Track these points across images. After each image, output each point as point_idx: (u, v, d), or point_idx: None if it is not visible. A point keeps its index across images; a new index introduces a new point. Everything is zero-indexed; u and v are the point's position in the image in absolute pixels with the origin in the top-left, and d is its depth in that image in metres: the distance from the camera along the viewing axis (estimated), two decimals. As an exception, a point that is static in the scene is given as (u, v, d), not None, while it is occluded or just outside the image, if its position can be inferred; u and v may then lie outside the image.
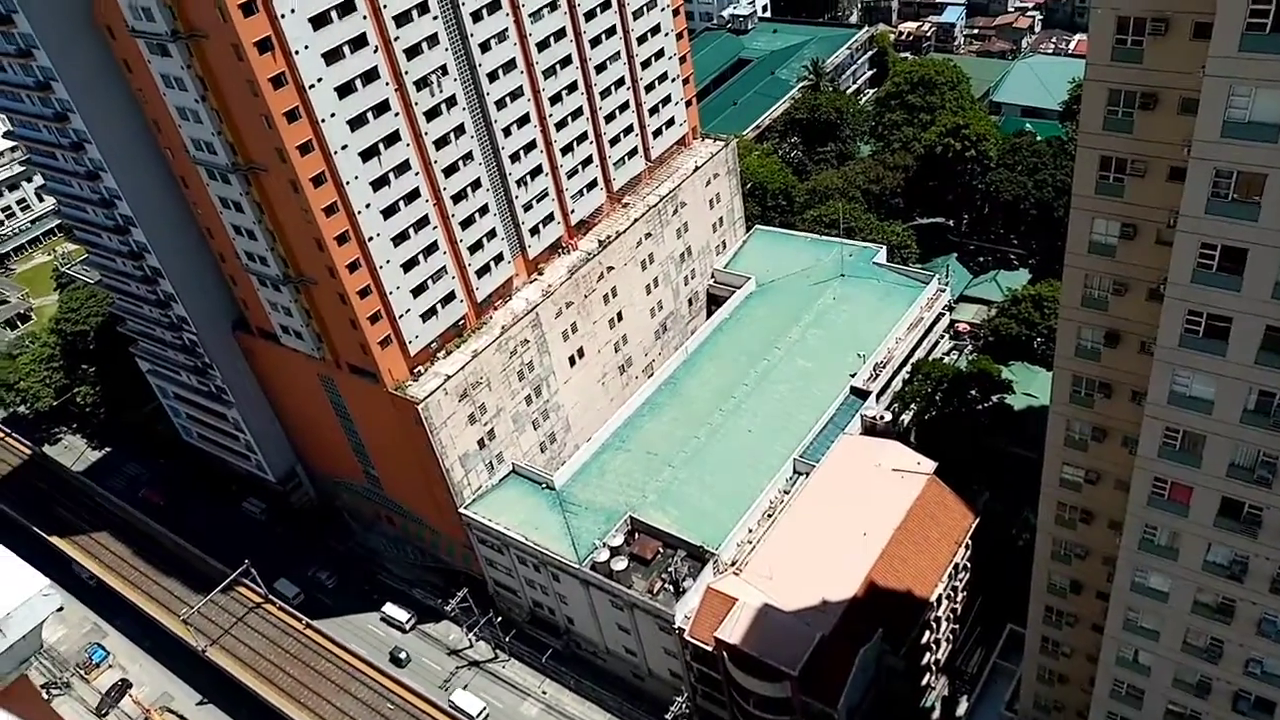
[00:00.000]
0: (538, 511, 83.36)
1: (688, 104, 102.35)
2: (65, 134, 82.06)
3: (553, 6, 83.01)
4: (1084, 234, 42.84)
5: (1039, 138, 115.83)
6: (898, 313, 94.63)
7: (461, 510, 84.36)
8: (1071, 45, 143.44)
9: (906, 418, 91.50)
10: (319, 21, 66.17)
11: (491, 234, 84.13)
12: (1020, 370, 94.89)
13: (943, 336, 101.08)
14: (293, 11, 64.20)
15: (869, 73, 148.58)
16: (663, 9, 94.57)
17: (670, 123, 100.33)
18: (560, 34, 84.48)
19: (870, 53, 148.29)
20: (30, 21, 73.44)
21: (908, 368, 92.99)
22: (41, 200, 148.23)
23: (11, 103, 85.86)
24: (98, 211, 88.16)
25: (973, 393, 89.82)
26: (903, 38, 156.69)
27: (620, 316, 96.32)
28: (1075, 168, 42.04)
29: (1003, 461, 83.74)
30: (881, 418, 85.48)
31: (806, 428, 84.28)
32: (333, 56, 67.74)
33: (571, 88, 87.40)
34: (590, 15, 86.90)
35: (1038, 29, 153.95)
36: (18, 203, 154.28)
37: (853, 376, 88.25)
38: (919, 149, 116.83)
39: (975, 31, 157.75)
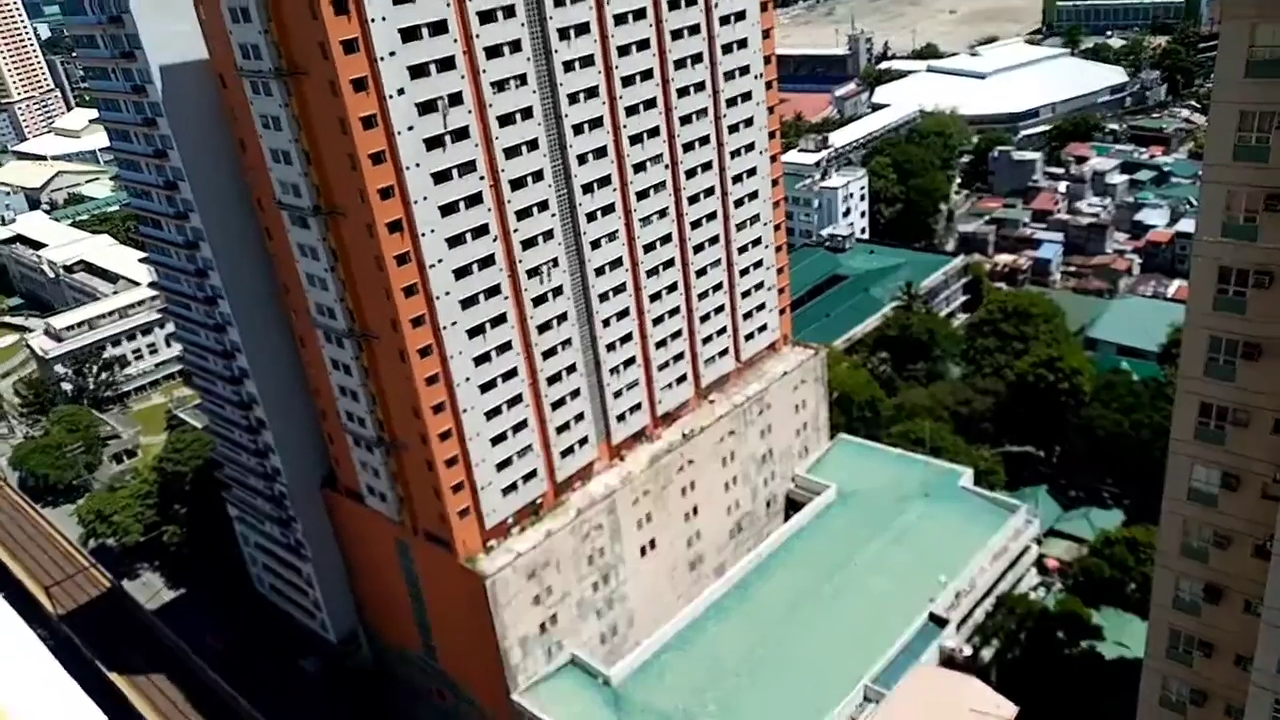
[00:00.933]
0: (592, 708, 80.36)
1: (781, 312, 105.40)
2: (203, 288, 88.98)
3: (662, 214, 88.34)
4: (1183, 480, 41.85)
5: (1136, 377, 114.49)
6: (983, 539, 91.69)
7: (515, 696, 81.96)
8: (1171, 291, 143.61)
9: (987, 654, 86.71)
10: (454, 242, 71.92)
11: (580, 417, 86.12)
12: (1112, 616, 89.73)
13: (1029, 570, 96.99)
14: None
15: (963, 299, 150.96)
16: (765, 223, 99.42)
17: (763, 328, 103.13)
18: (666, 239, 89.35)
19: (965, 280, 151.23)
20: (195, 197, 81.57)
21: (990, 600, 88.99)
22: (169, 345, 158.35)
23: (160, 257, 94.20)
24: (218, 361, 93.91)
25: (1060, 635, 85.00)
26: (998, 269, 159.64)
27: (696, 511, 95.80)
28: (1174, 411, 41.67)
29: (1091, 715, 77.94)
30: (960, 651, 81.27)
31: (880, 651, 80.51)
32: (456, 241, 72.93)
33: (671, 288, 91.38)
34: (696, 224, 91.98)
35: (1136, 271, 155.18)
36: (147, 346, 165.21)
37: (932, 602, 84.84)
38: (1010, 377, 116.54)
39: (1072, 269, 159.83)
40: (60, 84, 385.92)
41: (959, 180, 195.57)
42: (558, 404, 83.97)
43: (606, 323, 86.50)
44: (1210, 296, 38.29)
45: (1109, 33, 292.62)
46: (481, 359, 76.95)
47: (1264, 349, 37.35)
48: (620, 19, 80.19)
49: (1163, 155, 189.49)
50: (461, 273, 74.00)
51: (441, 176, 71.02)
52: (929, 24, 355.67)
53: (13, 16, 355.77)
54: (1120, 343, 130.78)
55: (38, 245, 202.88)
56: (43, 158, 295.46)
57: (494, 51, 72.17)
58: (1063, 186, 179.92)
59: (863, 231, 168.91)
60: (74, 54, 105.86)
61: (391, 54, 66.28)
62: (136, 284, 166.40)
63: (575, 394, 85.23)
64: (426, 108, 68.91)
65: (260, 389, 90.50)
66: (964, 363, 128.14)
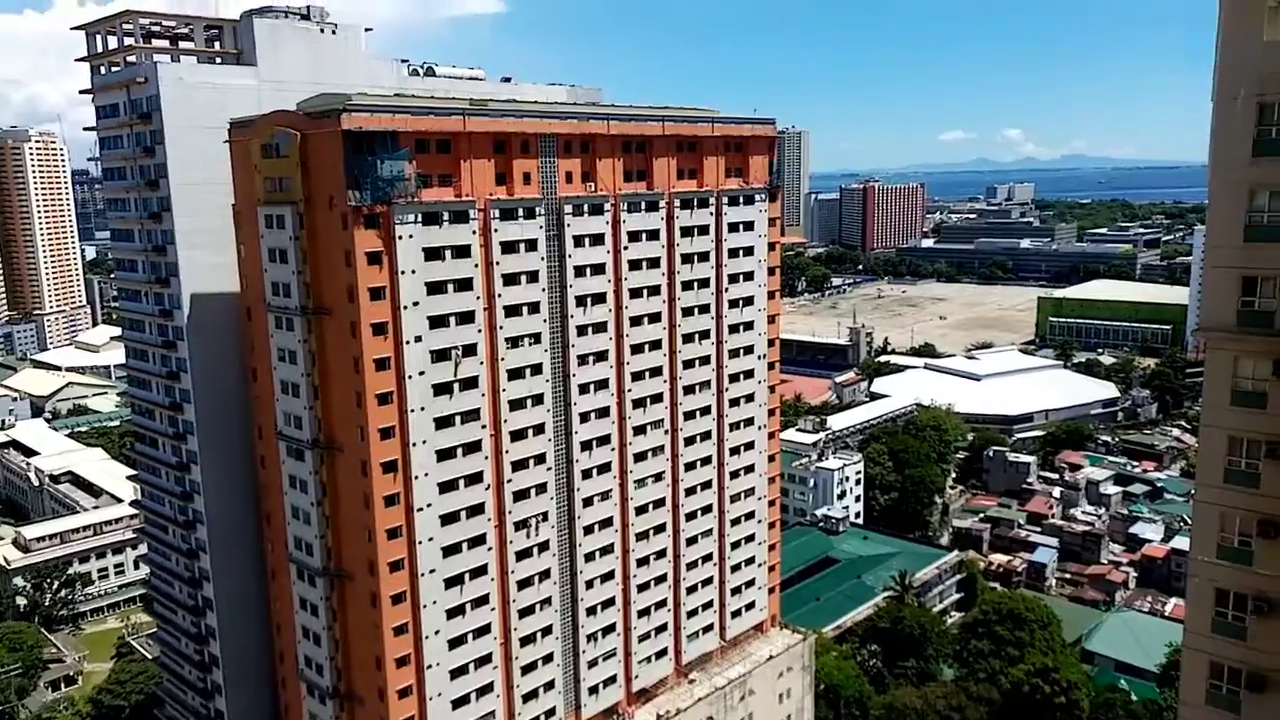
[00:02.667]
0: None
1: (770, 591, 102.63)
2: (185, 511, 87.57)
3: (658, 478, 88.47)
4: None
5: (1134, 697, 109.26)
6: None
7: None
8: (1169, 608, 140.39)
9: None
10: (446, 487, 72.14)
11: (550, 685, 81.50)
12: None
13: None
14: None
15: (956, 596, 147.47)
16: (760, 497, 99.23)
17: (750, 605, 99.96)
18: (659, 503, 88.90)
19: (959, 576, 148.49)
20: (197, 419, 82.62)
21: None
22: (137, 568, 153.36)
23: (149, 476, 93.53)
24: (183, 589, 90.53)
25: None
26: (993, 568, 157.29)
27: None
28: (1179, 740, 39.16)
29: None
30: None
31: None
32: (448, 486, 72.54)
33: (660, 554, 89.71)
34: (691, 491, 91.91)
35: (1132, 584, 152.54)
36: (115, 566, 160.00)
37: None
38: (1005, 684, 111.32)
39: (1068, 575, 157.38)
40: (93, 301, 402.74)
41: (954, 475, 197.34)
42: (528, 668, 79.79)
43: (590, 584, 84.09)
44: (1208, 619, 37.29)
45: (1100, 350, 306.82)
46: (455, 611, 74.07)
47: (1269, 681, 35.78)
48: (635, 293, 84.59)
49: (1155, 470, 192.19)
50: (449, 519, 72.99)
51: (444, 422, 71.92)
52: (925, 326, 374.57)
53: (65, 237, 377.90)
54: (1118, 659, 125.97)
55: (30, 452, 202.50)
56: (58, 368, 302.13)
57: (512, 311, 75.52)
58: (1057, 492, 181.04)
59: (857, 516, 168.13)
60: (113, 275, 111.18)
61: (415, 304, 69.31)
62: (119, 500, 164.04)
63: (548, 659, 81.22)
64: (440, 355, 71.06)
65: (221, 623, 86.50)
66: (957, 664, 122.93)
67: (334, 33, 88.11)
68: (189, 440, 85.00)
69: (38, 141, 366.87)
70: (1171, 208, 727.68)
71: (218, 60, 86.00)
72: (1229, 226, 37.39)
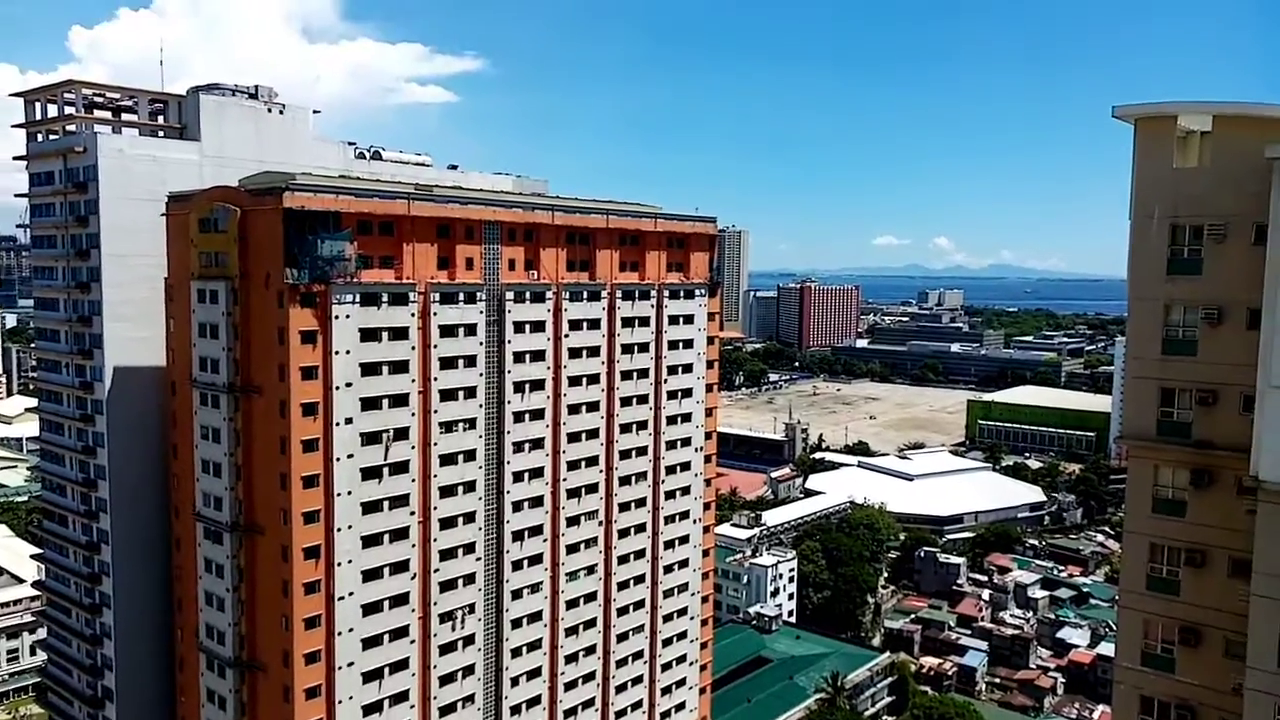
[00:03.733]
0: None
1: (701, 691, 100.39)
2: (91, 594, 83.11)
3: (590, 570, 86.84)
4: None
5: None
6: None
7: None
8: (1095, 715, 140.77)
9: None
10: (369, 575, 69.95)
11: (470, 789, 77.88)
12: None
13: None
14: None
15: (888, 699, 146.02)
16: (693, 593, 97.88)
17: (680, 706, 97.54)
18: (591, 597, 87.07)
19: (891, 679, 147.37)
20: (110, 497, 79.27)
21: None
22: (33, 654, 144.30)
23: (56, 555, 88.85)
24: (82, 678, 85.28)
25: None
26: (924, 670, 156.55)
27: None
28: None
29: None
30: None
31: None
32: (372, 575, 70.16)
33: (589, 650, 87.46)
34: (624, 585, 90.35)
35: (1060, 690, 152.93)
36: (8, 652, 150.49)
37: None
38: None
39: (998, 680, 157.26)
40: (8, 370, 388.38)
41: (886, 574, 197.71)
42: (449, 770, 76.26)
43: (515, 681, 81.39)
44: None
45: (1027, 454, 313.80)
46: (372, 708, 70.88)
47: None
48: (575, 381, 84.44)
49: (1081, 575, 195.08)
50: (371, 609, 70.45)
51: (371, 507, 70.04)
52: (860, 424, 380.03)
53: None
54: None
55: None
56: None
57: (448, 395, 74.62)
58: (986, 594, 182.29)
59: (790, 614, 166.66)
60: (33, 344, 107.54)
61: (348, 385, 68.09)
62: (20, 581, 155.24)
63: (469, 760, 77.77)
64: (371, 438, 69.59)
65: (121, 717, 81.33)
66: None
67: (281, 113, 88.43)
68: (101, 519, 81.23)
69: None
70: (1094, 319, 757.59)
71: (160, 134, 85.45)
72: (1147, 340, 38.87)
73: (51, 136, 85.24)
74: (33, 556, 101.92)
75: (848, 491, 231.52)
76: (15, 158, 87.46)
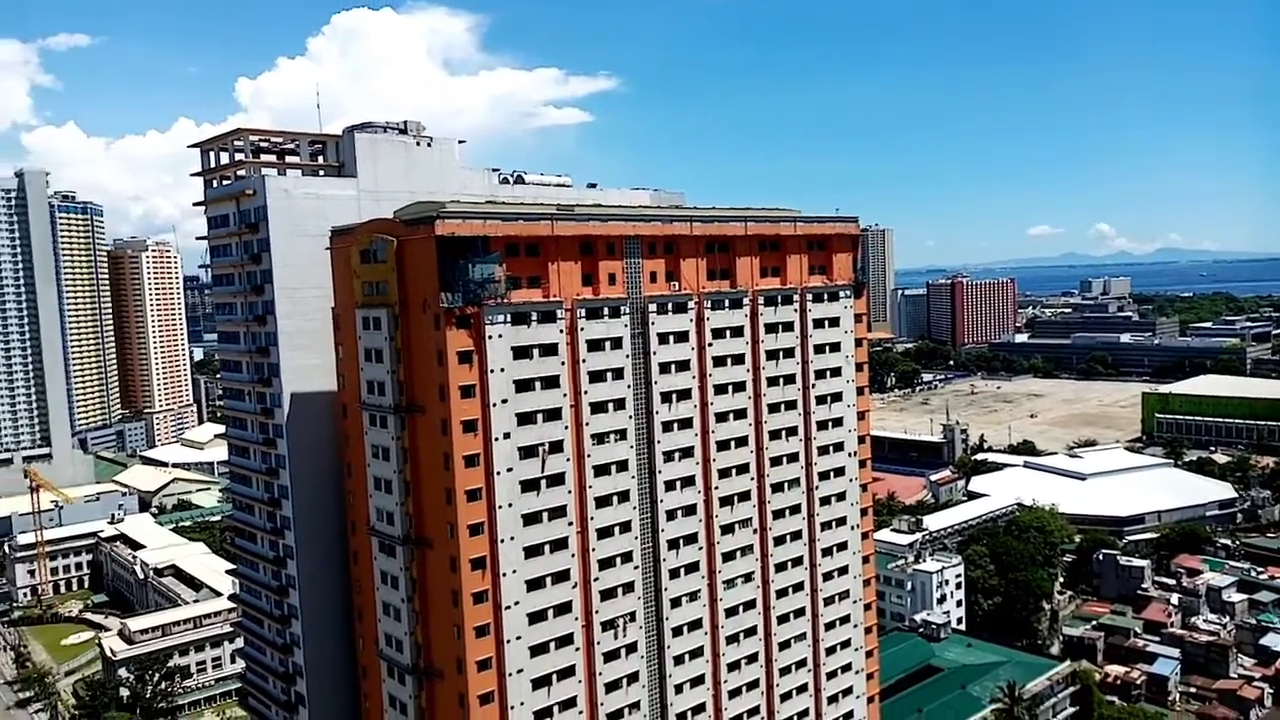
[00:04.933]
0: None
1: (869, 700, 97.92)
2: (280, 606, 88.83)
3: (748, 578, 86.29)
4: None
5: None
6: None
7: None
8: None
9: None
10: (534, 585, 71.89)
11: (638, 797, 78.56)
12: None
13: None
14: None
15: (1070, 710, 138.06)
16: (854, 600, 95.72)
17: (849, 715, 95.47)
18: (750, 605, 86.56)
19: (1072, 689, 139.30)
20: (294, 514, 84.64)
21: None
22: (234, 661, 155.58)
23: (248, 570, 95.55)
24: (277, 684, 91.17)
25: None
26: (1109, 680, 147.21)
27: None
28: None
29: None
30: None
31: None
32: (536, 584, 72.13)
33: (752, 658, 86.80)
34: (782, 594, 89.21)
35: (1269, 702, 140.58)
36: (213, 660, 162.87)
37: None
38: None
39: (1193, 690, 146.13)
40: (199, 400, 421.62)
41: (1061, 579, 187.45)
42: (617, 778, 77.22)
43: (679, 689, 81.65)
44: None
45: (1212, 448, 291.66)
46: (542, 714, 72.64)
47: None
48: (720, 389, 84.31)
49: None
50: (536, 617, 72.29)
51: (531, 519, 72.00)
52: (1023, 423, 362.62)
53: (176, 340, 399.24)
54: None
55: (137, 546, 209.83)
56: (164, 464, 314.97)
57: (598, 407, 75.98)
58: (1174, 598, 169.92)
59: (959, 621, 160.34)
60: (218, 375, 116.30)
61: (504, 401, 70.34)
62: (219, 594, 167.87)
63: (637, 768, 78.50)
64: (527, 452, 71.61)
65: (312, 718, 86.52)
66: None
67: (429, 145, 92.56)
68: (286, 535, 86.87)
69: (154, 251, 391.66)
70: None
71: (320, 173, 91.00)
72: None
73: (224, 182, 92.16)
74: (228, 571, 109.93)
75: (1014, 493, 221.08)
76: (195, 204, 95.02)
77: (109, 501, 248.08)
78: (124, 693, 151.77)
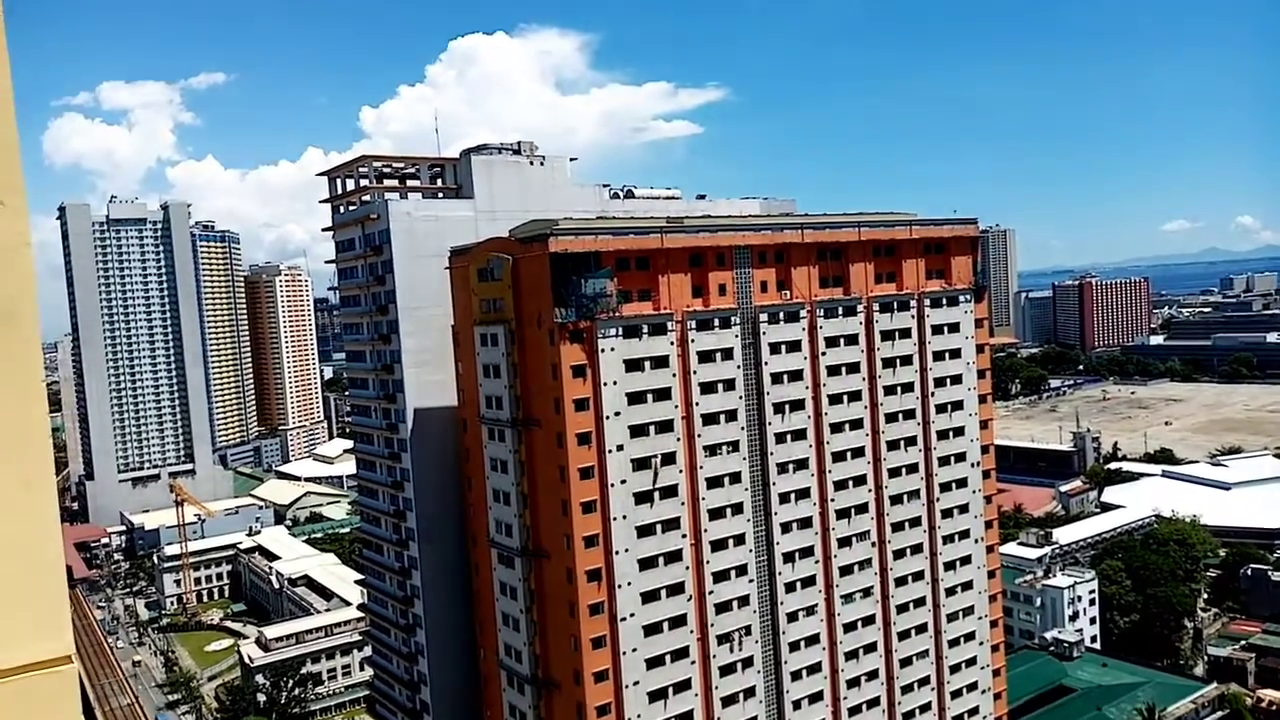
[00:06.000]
0: None
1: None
2: (405, 615, 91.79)
3: (866, 592, 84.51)
4: None
5: None
6: None
7: None
8: None
9: None
10: (649, 597, 72.25)
11: (758, 813, 77.70)
12: None
13: None
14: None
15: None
16: (979, 616, 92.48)
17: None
18: (869, 620, 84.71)
19: (1221, 713, 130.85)
20: (417, 525, 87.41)
21: None
22: (362, 670, 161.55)
23: (375, 580, 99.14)
24: (403, 692, 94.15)
25: None
26: (1263, 705, 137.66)
27: None
28: None
29: None
30: None
31: None
32: (651, 596, 72.40)
33: (871, 675, 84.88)
34: (903, 609, 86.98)
35: None
36: (343, 667, 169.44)
37: None
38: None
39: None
40: (329, 416, 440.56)
41: (1205, 596, 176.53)
42: (735, 793, 76.58)
43: (798, 705, 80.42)
44: None
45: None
46: (659, 732, 72.69)
47: None
48: (835, 399, 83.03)
49: None
50: (652, 630, 72.50)
51: (645, 531, 72.34)
52: (1160, 430, 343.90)
53: (307, 359, 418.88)
54: None
55: (273, 557, 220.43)
56: (297, 478, 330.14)
57: (710, 419, 75.86)
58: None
59: (1093, 640, 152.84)
60: (346, 393, 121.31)
61: (617, 414, 71.04)
62: (348, 604, 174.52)
63: (756, 785, 77.69)
64: (640, 464, 72.05)
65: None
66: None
67: (542, 164, 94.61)
68: (410, 546, 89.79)
69: (286, 275, 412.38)
70: None
71: (439, 195, 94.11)
72: None
73: (350, 207, 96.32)
74: (356, 582, 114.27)
75: (1151, 504, 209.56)
76: (324, 229, 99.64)
77: (247, 515, 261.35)
78: (261, 698, 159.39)
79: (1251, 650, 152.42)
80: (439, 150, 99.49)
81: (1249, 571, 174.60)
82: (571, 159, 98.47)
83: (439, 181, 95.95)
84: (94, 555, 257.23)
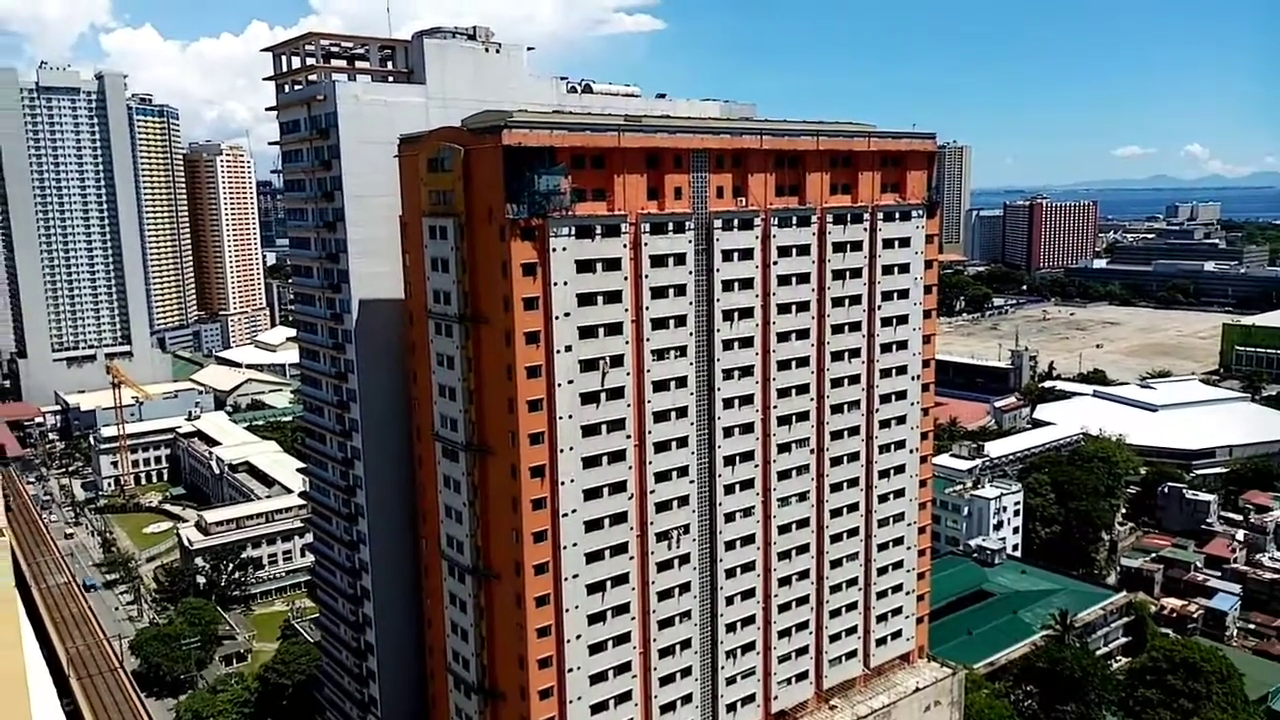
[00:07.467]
0: None
1: (919, 621, 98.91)
2: (348, 505, 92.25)
3: (802, 497, 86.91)
4: None
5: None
6: None
7: None
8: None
9: None
10: (590, 494, 73.20)
11: (687, 698, 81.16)
12: None
13: None
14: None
15: (1123, 640, 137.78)
16: (909, 523, 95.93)
17: (897, 634, 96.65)
18: (803, 523, 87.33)
19: (1126, 619, 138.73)
20: (361, 417, 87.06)
21: None
22: (303, 555, 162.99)
23: (317, 470, 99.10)
24: (344, 578, 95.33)
25: None
26: (1165, 612, 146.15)
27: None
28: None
29: None
30: None
31: None
32: (593, 494, 73.59)
33: (803, 574, 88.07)
34: (836, 513, 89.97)
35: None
36: (283, 553, 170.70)
37: None
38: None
39: (1252, 626, 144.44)
40: (271, 304, 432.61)
41: (1124, 511, 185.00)
42: (666, 680, 79.74)
43: (730, 600, 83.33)
44: None
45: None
46: (596, 618, 74.88)
47: None
48: (784, 308, 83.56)
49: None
50: (593, 525, 73.95)
51: (590, 430, 73.00)
52: (1096, 351, 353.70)
53: (249, 244, 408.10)
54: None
55: (213, 443, 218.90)
56: (239, 365, 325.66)
57: (660, 323, 75.96)
58: (1240, 534, 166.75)
59: (1015, 549, 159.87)
60: (290, 280, 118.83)
61: (566, 314, 70.71)
62: (289, 491, 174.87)
63: (686, 672, 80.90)
64: (588, 365, 72.20)
65: (376, 612, 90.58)
66: (1122, 712, 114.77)
67: (498, 52, 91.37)
68: (354, 437, 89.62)
69: (227, 155, 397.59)
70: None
71: (390, 79, 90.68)
72: None
73: (296, 87, 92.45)
74: (298, 470, 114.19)
75: (1081, 422, 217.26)
76: (268, 108, 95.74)
77: (186, 399, 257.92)
78: (200, 580, 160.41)
79: (1160, 562, 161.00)
80: (390, 31, 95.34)
81: (1165, 489, 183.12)
82: (529, 48, 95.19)
83: (389, 65, 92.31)
84: (28, 434, 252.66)
